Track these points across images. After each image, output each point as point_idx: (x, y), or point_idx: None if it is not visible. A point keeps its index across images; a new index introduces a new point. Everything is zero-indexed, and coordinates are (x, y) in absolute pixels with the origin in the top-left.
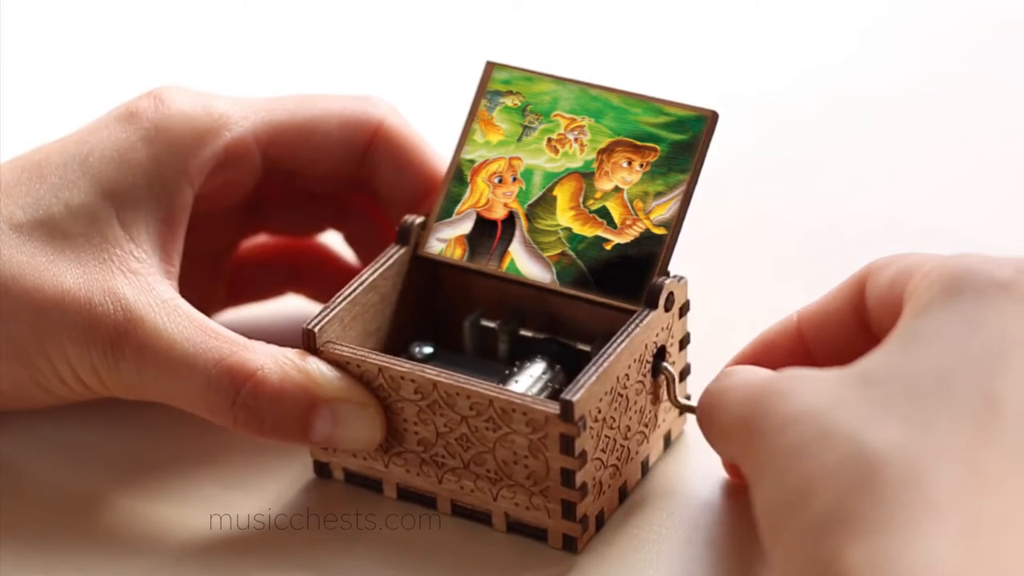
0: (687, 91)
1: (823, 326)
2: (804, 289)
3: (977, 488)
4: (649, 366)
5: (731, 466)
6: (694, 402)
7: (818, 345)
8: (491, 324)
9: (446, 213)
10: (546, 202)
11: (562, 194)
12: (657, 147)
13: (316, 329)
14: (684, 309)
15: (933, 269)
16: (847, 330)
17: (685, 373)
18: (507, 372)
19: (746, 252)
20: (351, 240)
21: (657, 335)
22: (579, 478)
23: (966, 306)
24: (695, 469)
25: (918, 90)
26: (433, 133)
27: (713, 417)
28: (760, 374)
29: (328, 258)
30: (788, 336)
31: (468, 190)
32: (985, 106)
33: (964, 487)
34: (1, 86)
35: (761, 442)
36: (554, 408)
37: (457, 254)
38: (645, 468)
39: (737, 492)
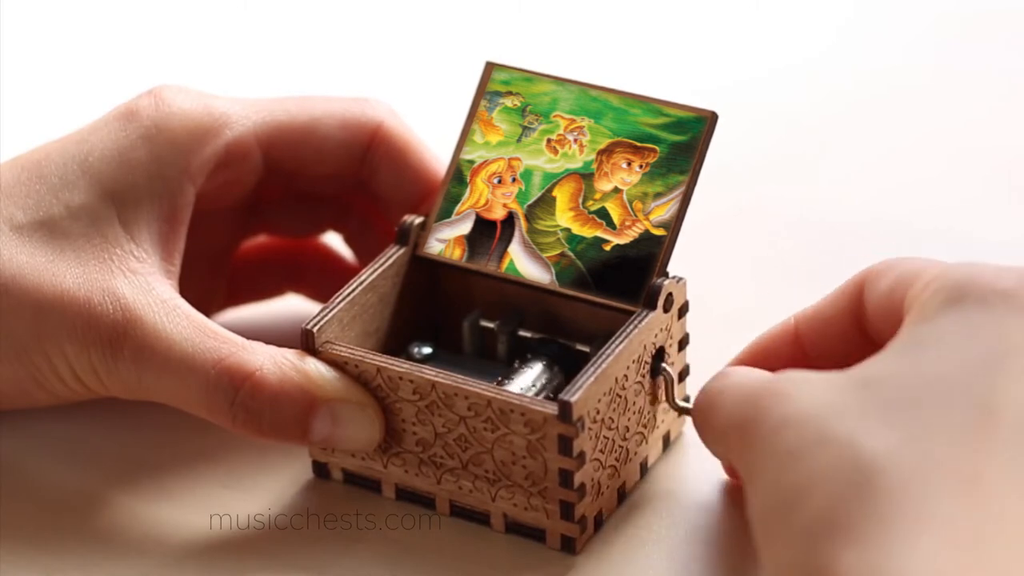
0: (686, 91)
1: (821, 330)
2: (805, 290)
3: (973, 498)
4: (648, 367)
5: (731, 467)
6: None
7: (816, 349)
8: (490, 325)
9: (445, 213)
10: (545, 203)
11: (561, 195)
12: (656, 148)
13: (315, 329)
14: (683, 310)
15: (936, 277)
16: (846, 335)
17: (684, 374)
18: (506, 372)
19: (746, 253)
20: (351, 241)
21: (656, 336)
22: (577, 479)
23: (968, 314)
24: (694, 470)
25: (919, 90)
26: (433, 133)
27: (709, 418)
28: (756, 375)
29: (328, 258)
30: (786, 340)
31: (467, 190)
32: (986, 103)
33: (960, 497)
34: (1, 86)
35: (757, 443)
36: (552, 409)
37: (456, 254)
38: (644, 469)
39: (736, 493)
